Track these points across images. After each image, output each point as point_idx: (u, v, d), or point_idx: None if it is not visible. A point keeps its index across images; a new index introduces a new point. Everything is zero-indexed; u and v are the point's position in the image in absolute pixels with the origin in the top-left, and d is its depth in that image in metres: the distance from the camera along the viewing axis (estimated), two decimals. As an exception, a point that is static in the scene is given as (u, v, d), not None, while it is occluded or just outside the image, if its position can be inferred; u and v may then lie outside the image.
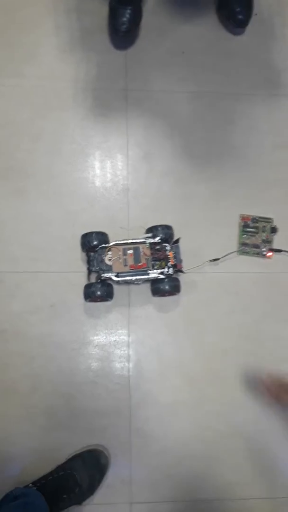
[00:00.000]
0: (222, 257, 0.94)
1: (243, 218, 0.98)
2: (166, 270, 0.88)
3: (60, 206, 0.96)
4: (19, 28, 1.04)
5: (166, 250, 0.89)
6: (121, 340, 0.91)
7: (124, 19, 0.97)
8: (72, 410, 0.87)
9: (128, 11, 0.97)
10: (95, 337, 0.91)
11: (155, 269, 0.88)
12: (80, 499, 0.80)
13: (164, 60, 1.05)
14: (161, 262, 0.89)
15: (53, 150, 0.98)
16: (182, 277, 0.91)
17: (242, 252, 0.96)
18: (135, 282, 0.90)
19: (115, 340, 0.91)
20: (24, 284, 0.92)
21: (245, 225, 0.97)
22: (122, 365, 0.90)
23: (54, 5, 1.06)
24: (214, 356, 0.91)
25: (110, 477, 0.84)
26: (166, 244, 0.90)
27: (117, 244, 0.89)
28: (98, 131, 1.00)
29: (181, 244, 0.91)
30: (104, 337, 0.91)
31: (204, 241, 0.96)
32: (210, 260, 0.93)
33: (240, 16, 1.04)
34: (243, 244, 0.96)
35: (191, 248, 0.93)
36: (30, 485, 0.79)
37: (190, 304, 0.93)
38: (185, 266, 0.91)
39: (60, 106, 1.01)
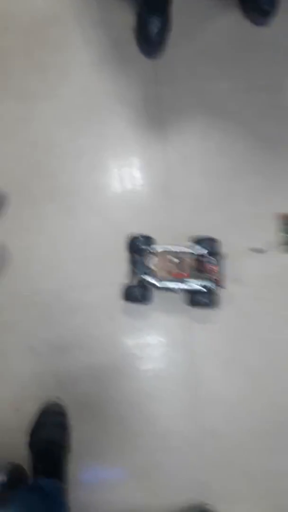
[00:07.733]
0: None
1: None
2: (208, 283, 0.90)
3: (107, 218, 0.99)
4: (48, 49, 1.06)
5: (211, 263, 0.91)
6: (181, 342, 0.94)
7: (155, 28, 0.96)
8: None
9: (159, 18, 0.95)
10: (152, 340, 0.95)
11: (197, 280, 0.90)
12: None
13: (193, 61, 1.05)
14: (204, 274, 0.91)
15: (97, 165, 1.01)
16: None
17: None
18: (175, 290, 0.92)
19: (174, 342, 0.94)
20: (83, 299, 0.96)
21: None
22: (182, 368, 0.93)
23: (78, 21, 1.07)
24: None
25: (184, 478, 0.88)
26: (212, 258, 0.91)
27: (164, 251, 0.91)
28: (136, 141, 1.02)
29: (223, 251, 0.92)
30: (162, 339, 0.95)
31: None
32: (251, 249, 0.95)
33: (265, 6, 1.02)
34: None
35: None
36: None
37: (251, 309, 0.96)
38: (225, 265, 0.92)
39: (98, 121, 1.03)
